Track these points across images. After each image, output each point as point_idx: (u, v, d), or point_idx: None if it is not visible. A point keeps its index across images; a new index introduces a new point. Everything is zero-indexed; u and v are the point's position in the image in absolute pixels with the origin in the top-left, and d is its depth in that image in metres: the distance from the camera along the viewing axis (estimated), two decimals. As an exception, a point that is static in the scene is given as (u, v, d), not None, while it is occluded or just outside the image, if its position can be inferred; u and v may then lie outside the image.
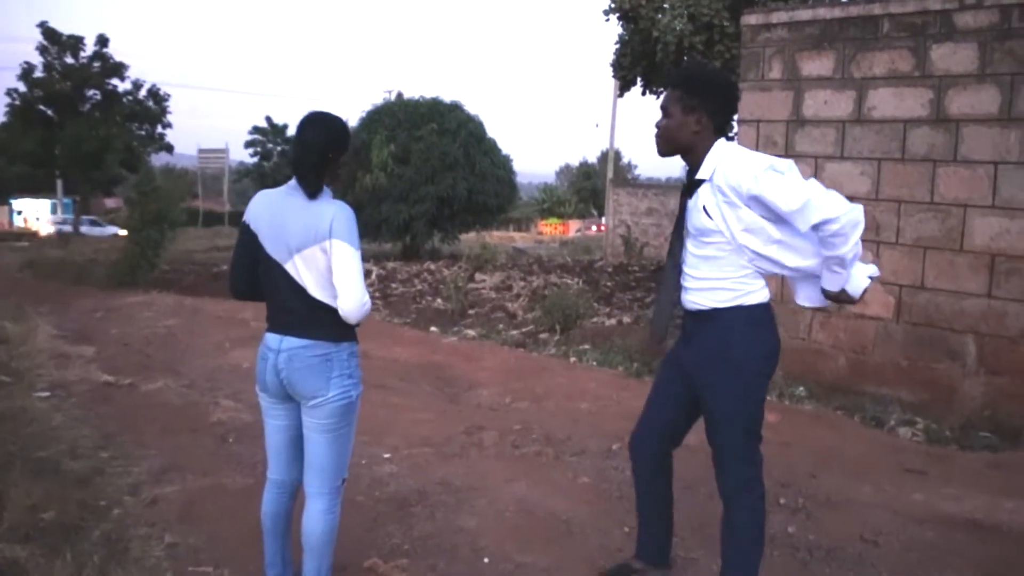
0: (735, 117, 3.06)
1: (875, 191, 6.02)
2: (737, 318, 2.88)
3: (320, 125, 2.84)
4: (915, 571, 3.55)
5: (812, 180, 2.77)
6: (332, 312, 2.82)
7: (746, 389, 2.91)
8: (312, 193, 2.80)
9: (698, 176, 2.88)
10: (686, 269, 2.99)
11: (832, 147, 6.24)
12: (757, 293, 2.90)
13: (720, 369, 2.91)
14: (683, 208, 3.00)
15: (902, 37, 5.85)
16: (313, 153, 2.79)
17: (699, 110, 2.85)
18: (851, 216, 2.68)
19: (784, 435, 5.29)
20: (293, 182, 2.85)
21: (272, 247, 2.84)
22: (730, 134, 11.39)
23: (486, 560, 3.58)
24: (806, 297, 3.05)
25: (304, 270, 2.79)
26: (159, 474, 4.46)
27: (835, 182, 6.19)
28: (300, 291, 2.81)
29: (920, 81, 5.77)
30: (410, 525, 3.90)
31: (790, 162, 2.78)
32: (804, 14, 6.40)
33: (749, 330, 2.90)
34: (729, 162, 2.81)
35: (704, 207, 2.85)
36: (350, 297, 2.75)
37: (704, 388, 2.96)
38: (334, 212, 2.75)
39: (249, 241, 2.91)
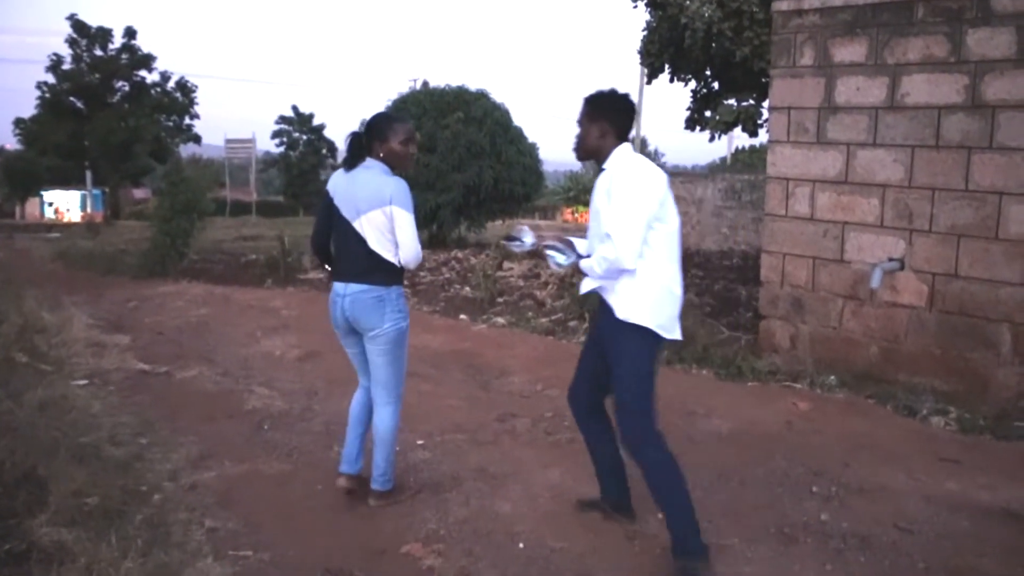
0: (634, 128, 3.63)
1: (908, 178, 5.95)
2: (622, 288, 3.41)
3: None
4: (950, 559, 3.55)
5: (633, 217, 3.28)
6: (385, 262, 3.74)
7: (638, 349, 3.40)
8: (348, 165, 3.85)
9: (604, 166, 3.49)
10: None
11: (864, 134, 6.17)
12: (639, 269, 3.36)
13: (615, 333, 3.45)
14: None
15: (937, 22, 5.77)
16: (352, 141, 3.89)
17: (601, 120, 3.47)
18: (606, 268, 3.33)
19: (816, 423, 5.28)
20: (366, 161, 3.80)
21: (345, 209, 3.77)
22: (760, 121, 11.37)
23: (521, 545, 3.63)
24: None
25: (367, 227, 3.71)
26: (197, 460, 4.54)
27: (868, 169, 6.14)
28: (362, 242, 3.72)
29: (955, 67, 5.70)
30: (446, 511, 3.95)
31: (646, 190, 3.33)
32: (837, 0, 6.33)
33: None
34: (621, 162, 3.42)
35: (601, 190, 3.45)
36: (408, 250, 3.73)
37: (607, 351, 3.51)
38: (393, 185, 3.72)
39: (328, 206, 3.84)
